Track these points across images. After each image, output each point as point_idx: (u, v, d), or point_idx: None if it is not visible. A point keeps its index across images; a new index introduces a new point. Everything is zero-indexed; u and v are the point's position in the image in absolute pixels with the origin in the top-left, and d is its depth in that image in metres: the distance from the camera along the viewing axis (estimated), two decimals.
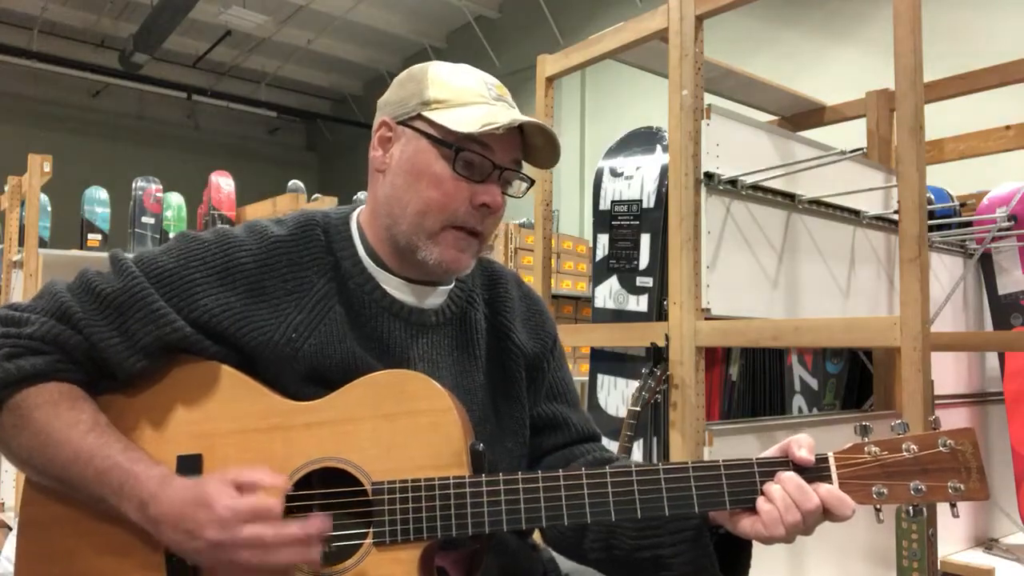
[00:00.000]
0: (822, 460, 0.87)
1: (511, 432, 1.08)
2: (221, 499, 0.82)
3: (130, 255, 0.98)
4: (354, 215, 1.06)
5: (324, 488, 0.92)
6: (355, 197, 3.89)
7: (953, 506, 0.87)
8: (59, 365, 0.91)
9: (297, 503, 0.89)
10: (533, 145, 1.02)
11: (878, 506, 0.87)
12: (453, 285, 1.08)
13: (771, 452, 0.90)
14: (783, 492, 0.85)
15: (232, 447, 0.93)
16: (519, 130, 1.00)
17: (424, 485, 0.89)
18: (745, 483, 0.87)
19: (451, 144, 0.96)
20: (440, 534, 0.88)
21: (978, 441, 0.87)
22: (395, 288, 1.02)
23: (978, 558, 2.51)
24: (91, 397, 0.93)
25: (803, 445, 0.87)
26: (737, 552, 0.94)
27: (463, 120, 0.95)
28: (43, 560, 0.93)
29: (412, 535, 0.88)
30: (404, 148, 0.99)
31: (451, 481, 0.89)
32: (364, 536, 0.89)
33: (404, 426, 0.91)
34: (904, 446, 0.86)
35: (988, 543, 2.65)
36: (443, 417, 0.91)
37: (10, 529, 3.04)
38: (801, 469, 0.87)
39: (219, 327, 0.94)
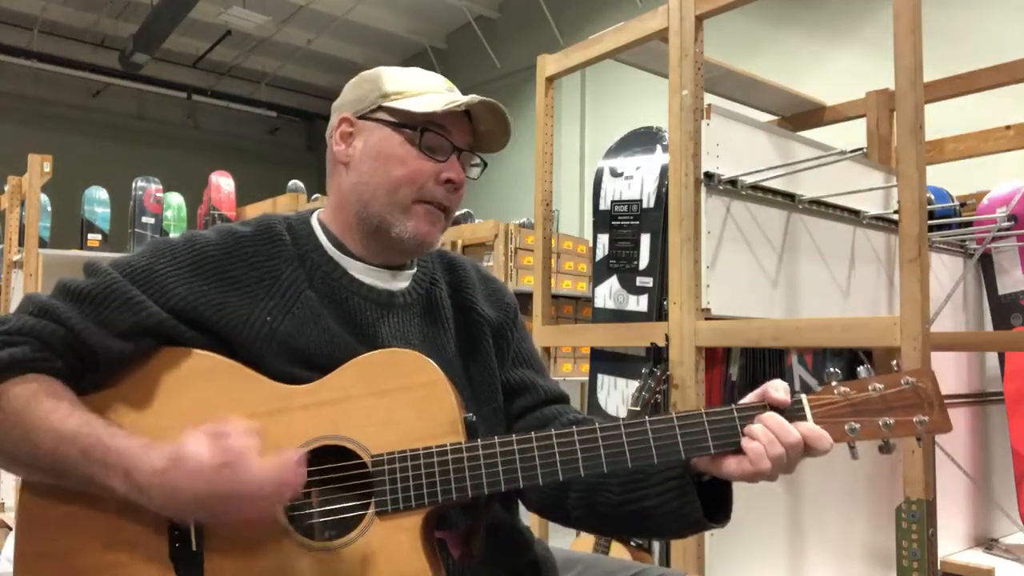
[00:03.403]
0: (796, 402, 0.93)
1: (486, 399, 1.13)
2: (196, 451, 0.84)
3: (104, 262, 1.02)
4: (313, 215, 1.13)
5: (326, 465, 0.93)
6: None
7: (919, 440, 0.92)
8: (37, 355, 0.92)
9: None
10: (482, 131, 1.11)
11: (852, 444, 0.92)
12: (416, 270, 1.14)
13: (747, 399, 0.95)
14: (765, 429, 0.90)
15: None
16: (468, 119, 1.09)
17: (422, 453, 0.92)
18: (727, 427, 0.92)
19: (415, 126, 1.05)
20: (441, 498, 0.91)
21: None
22: (362, 273, 1.08)
23: (978, 558, 2.51)
24: (72, 389, 0.94)
25: (779, 388, 0.93)
26: (720, 498, 0.99)
27: (425, 104, 1.04)
28: (41, 559, 0.93)
29: (414, 502, 0.91)
30: (367, 138, 1.07)
31: (448, 447, 0.92)
32: (366, 508, 0.91)
33: (399, 400, 0.94)
34: (871, 386, 0.92)
35: (988, 543, 2.65)
36: (436, 389, 0.95)
37: (10, 529, 3.04)
38: (779, 411, 0.92)
39: (195, 313, 0.98)
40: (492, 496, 0.94)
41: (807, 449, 0.90)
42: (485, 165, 1.15)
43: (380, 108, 1.06)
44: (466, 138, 1.09)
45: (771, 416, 0.91)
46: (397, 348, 1.01)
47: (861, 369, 0.94)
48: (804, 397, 0.93)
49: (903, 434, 0.91)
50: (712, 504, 0.98)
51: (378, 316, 1.07)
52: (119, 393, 0.96)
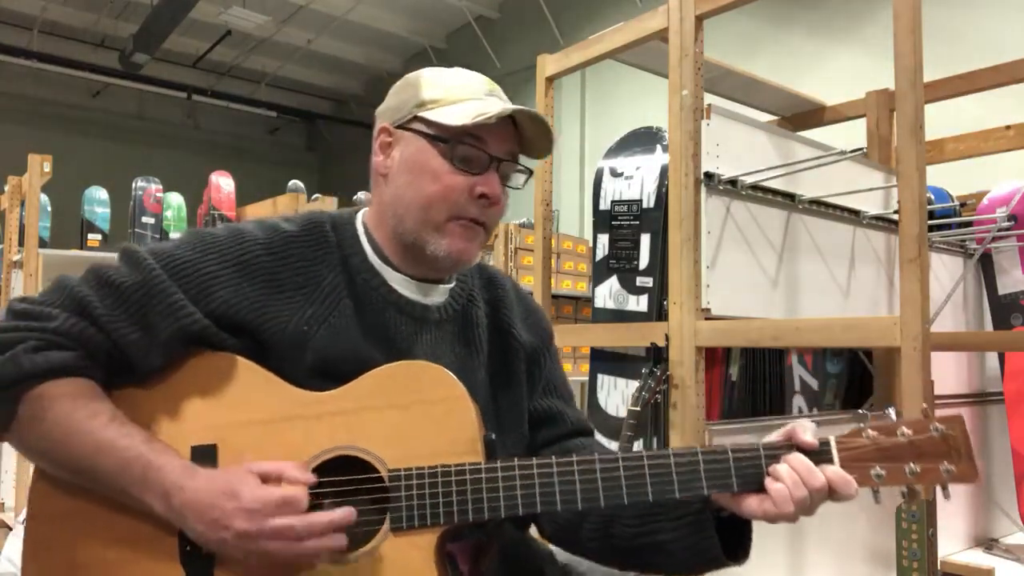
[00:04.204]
0: (824, 444, 0.91)
1: (511, 426, 1.10)
2: (249, 490, 0.84)
3: (143, 248, 0.98)
4: (359, 216, 1.10)
5: (341, 476, 0.92)
6: (355, 197, 3.89)
7: (944, 488, 0.91)
8: (81, 362, 0.91)
9: (314, 490, 0.90)
10: (527, 136, 1.05)
11: (876, 488, 0.91)
12: (454, 284, 1.11)
13: (774, 437, 0.93)
14: (791, 470, 0.88)
15: (247, 437, 0.93)
16: (512, 123, 1.03)
17: (440, 471, 0.90)
18: (752, 466, 0.90)
19: (447, 139, 1.00)
20: (457, 519, 0.90)
21: (977, 439, 0.89)
22: (400, 284, 1.05)
23: (978, 558, 2.51)
24: (107, 393, 0.94)
25: (807, 429, 0.91)
26: (738, 534, 0.96)
27: (456, 115, 0.99)
28: (51, 549, 0.93)
29: (429, 520, 0.90)
30: (404, 150, 1.03)
31: (467, 467, 0.90)
32: (381, 522, 0.90)
33: (419, 414, 0.93)
34: (899, 431, 0.91)
35: (988, 543, 2.64)
36: (458, 405, 0.93)
37: (10, 529, 3.04)
38: (805, 452, 0.90)
39: (236, 317, 0.95)
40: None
41: (832, 493, 0.89)
42: (530, 173, 1.08)
43: (416, 118, 1.02)
44: (507, 146, 1.03)
45: (797, 457, 0.89)
46: (422, 361, 0.99)
47: (890, 411, 0.93)
48: (832, 440, 0.91)
49: (929, 482, 0.90)
50: (730, 539, 0.96)
51: (412, 331, 1.04)
52: (140, 390, 0.96)
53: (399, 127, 1.04)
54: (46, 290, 0.96)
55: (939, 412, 0.92)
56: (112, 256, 1.00)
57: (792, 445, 0.91)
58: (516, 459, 0.91)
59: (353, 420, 0.93)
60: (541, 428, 1.15)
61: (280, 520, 0.83)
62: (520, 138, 1.05)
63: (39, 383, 0.89)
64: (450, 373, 0.95)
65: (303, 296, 0.99)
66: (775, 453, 0.90)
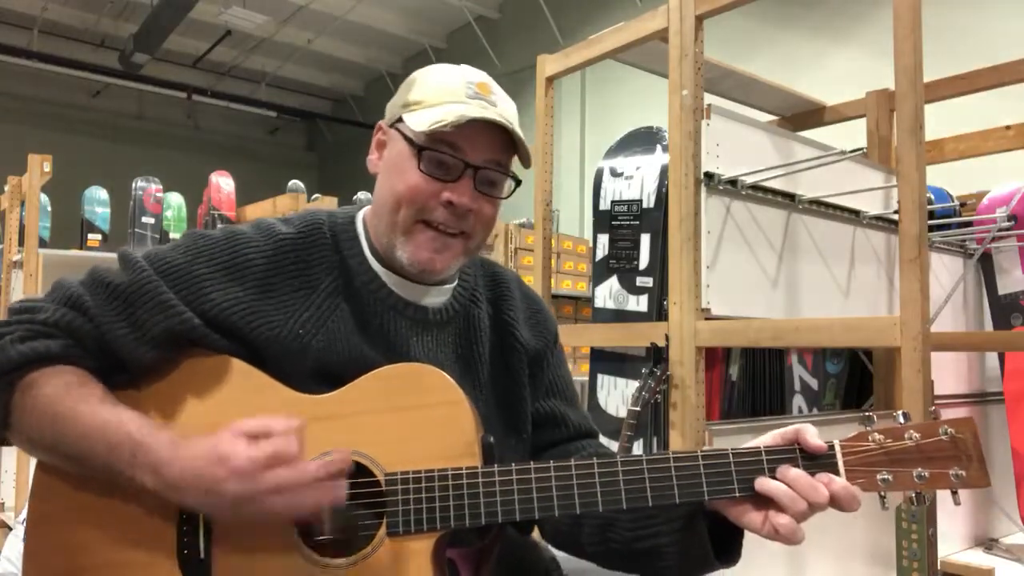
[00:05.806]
0: (828, 448, 0.89)
1: (514, 429, 1.09)
2: (236, 451, 0.82)
3: (140, 252, 0.98)
4: (359, 215, 1.08)
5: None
6: (355, 197, 3.89)
7: (955, 493, 0.88)
8: (71, 350, 0.92)
9: None
10: (519, 142, 1.01)
11: (882, 493, 0.88)
12: (456, 284, 1.09)
13: (777, 440, 0.91)
14: (805, 512, 0.86)
15: None
16: (505, 130, 0.99)
17: (437, 475, 0.90)
18: (753, 471, 0.89)
19: (416, 143, 0.97)
20: (453, 524, 0.89)
21: (979, 438, 0.88)
22: (399, 286, 1.03)
23: (978, 558, 2.51)
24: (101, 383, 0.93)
25: (814, 434, 0.89)
26: (729, 536, 0.95)
27: (423, 120, 0.96)
28: (50, 552, 0.93)
29: (426, 525, 0.89)
30: (390, 150, 1.03)
31: (464, 471, 0.89)
32: (378, 527, 0.90)
33: (417, 418, 0.92)
34: (907, 434, 0.88)
35: (988, 543, 2.64)
36: (455, 409, 0.92)
37: (10, 529, 3.04)
38: (809, 457, 0.88)
39: (227, 321, 0.95)
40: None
41: (834, 503, 0.87)
42: (517, 182, 1.04)
43: (401, 119, 1.00)
44: (487, 153, 0.98)
45: (802, 479, 0.86)
46: (419, 364, 0.98)
47: (899, 414, 0.90)
48: (837, 444, 0.89)
49: (937, 487, 0.87)
50: (722, 540, 0.94)
51: (411, 334, 1.03)
52: (138, 391, 0.96)
53: (391, 126, 1.03)
54: (47, 292, 0.97)
55: (944, 413, 0.91)
56: (111, 256, 1.00)
57: (795, 448, 0.89)
58: (514, 464, 0.90)
59: (351, 423, 0.92)
60: (543, 430, 1.13)
61: (273, 475, 0.81)
62: (515, 144, 1.01)
63: (28, 371, 0.90)
64: (447, 376, 0.94)
65: (299, 299, 0.98)
66: (778, 457, 0.88)
